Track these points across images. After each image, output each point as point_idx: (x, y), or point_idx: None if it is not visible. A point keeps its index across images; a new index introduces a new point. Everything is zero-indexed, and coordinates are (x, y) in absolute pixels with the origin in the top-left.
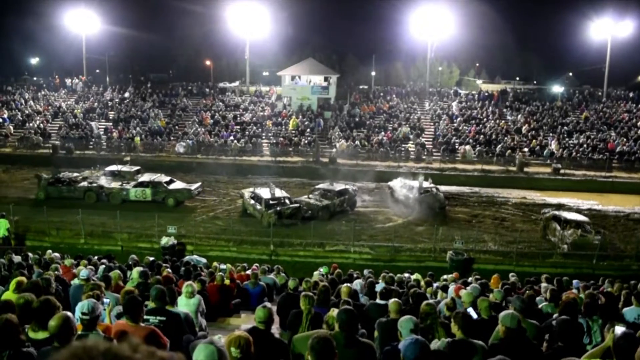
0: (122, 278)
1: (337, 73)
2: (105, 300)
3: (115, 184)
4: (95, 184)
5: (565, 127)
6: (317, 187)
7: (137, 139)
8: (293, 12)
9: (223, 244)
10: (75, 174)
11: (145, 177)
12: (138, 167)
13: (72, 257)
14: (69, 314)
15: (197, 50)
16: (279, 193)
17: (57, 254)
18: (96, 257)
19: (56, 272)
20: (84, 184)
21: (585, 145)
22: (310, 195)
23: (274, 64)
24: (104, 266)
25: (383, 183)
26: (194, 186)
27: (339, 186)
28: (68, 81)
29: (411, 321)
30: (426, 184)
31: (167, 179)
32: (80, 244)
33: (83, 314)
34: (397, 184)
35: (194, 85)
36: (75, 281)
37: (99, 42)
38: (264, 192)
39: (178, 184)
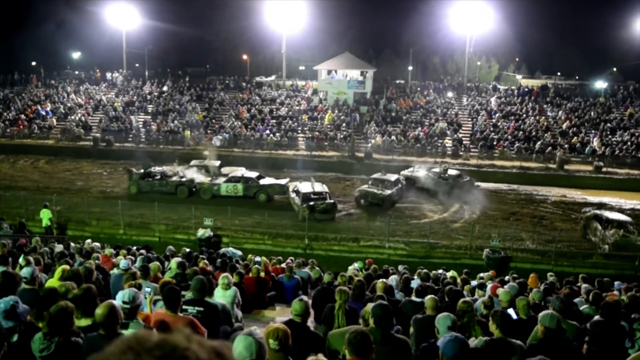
0: (161, 269)
1: (374, 67)
2: (146, 289)
3: (205, 179)
4: (186, 179)
5: (608, 124)
6: (372, 177)
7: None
8: (329, 6)
9: (258, 237)
10: (165, 168)
11: (237, 173)
12: (219, 162)
13: (112, 247)
14: (115, 302)
15: (234, 45)
16: (320, 188)
17: (97, 244)
18: (135, 248)
19: (97, 262)
20: (175, 178)
21: (629, 143)
22: (371, 184)
23: (310, 58)
24: (142, 256)
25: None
26: (284, 181)
27: (392, 176)
28: (108, 75)
29: (449, 318)
30: (452, 171)
31: (256, 174)
32: (119, 234)
33: (124, 302)
34: (420, 173)
35: (230, 79)
36: (115, 271)
37: (138, 37)
38: (305, 186)
39: (269, 180)
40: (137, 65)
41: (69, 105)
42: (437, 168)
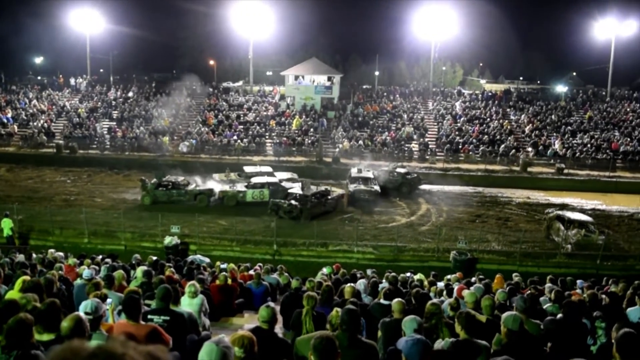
0: (126, 278)
1: (341, 73)
2: (108, 300)
3: (224, 186)
4: (205, 187)
5: (569, 127)
6: (352, 176)
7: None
8: (296, 11)
9: (226, 243)
10: (181, 178)
11: (260, 178)
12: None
13: (76, 257)
14: (82, 315)
15: (201, 50)
16: (311, 190)
17: (60, 253)
18: (100, 257)
19: (59, 272)
20: (192, 187)
21: (589, 145)
22: (360, 183)
23: (278, 63)
24: (107, 265)
25: None
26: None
27: (369, 173)
28: (72, 80)
29: (415, 321)
30: (400, 170)
31: (277, 178)
32: (84, 243)
33: (86, 313)
34: (371, 172)
35: (197, 84)
36: (79, 281)
37: (103, 42)
38: (296, 189)
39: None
40: (101, 70)
41: (31, 111)
42: (386, 167)
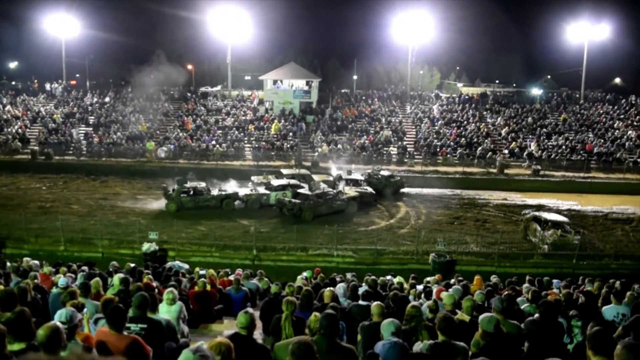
0: (103, 285)
1: (319, 77)
2: (84, 309)
3: (246, 190)
4: (231, 192)
5: (544, 129)
6: (343, 177)
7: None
8: (274, 16)
9: (205, 249)
10: (203, 184)
11: (282, 181)
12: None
13: (51, 265)
14: (59, 324)
15: (179, 55)
16: (318, 190)
17: (35, 262)
18: (76, 265)
19: (35, 281)
20: (215, 192)
21: (564, 147)
22: (360, 184)
23: (256, 68)
24: (83, 273)
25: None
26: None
27: (357, 175)
28: (47, 86)
29: (393, 324)
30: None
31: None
32: (60, 251)
33: (61, 322)
34: (356, 175)
35: (175, 89)
36: (54, 289)
37: (79, 46)
38: (305, 189)
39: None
40: (77, 75)
41: (5, 117)
42: (370, 170)
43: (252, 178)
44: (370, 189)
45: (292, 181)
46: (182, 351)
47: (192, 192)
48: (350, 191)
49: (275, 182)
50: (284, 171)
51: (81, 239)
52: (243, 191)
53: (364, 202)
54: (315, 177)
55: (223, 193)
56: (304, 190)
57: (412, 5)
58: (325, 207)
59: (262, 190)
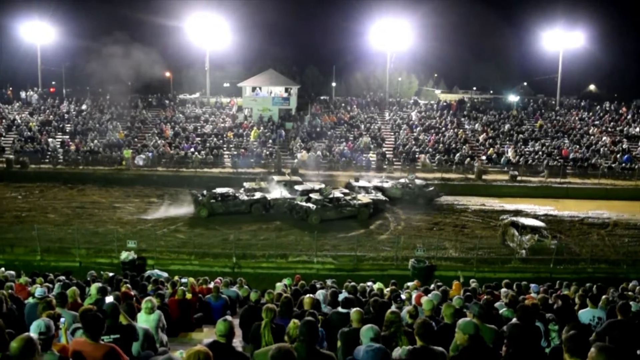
0: (80, 295)
1: (298, 84)
2: (61, 319)
3: (275, 195)
4: (259, 196)
5: (521, 135)
6: (352, 185)
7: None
8: (253, 23)
9: (185, 257)
10: (230, 189)
11: (307, 186)
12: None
13: (28, 275)
14: (33, 335)
15: (157, 62)
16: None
17: (11, 272)
18: (53, 274)
19: (10, 291)
20: (243, 197)
21: (540, 153)
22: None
23: (235, 75)
24: (60, 283)
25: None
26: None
27: (365, 183)
28: (22, 93)
29: (372, 330)
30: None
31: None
32: (37, 260)
33: (40, 333)
34: (388, 183)
35: (153, 97)
36: (30, 300)
37: (55, 53)
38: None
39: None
40: (53, 83)
41: None
42: (404, 179)
43: (244, 184)
44: (382, 196)
45: (317, 186)
46: None
47: (220, 198)
48: (364, 198)
49: (301, 187)
50: (276, 177)
51: (58, 248)
52: (271, 196)
53: (377, 209)
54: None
55: (252, 198)
56: (316, 194)
57: (390, 13)
58: (334, 212)
59: (288, 195)
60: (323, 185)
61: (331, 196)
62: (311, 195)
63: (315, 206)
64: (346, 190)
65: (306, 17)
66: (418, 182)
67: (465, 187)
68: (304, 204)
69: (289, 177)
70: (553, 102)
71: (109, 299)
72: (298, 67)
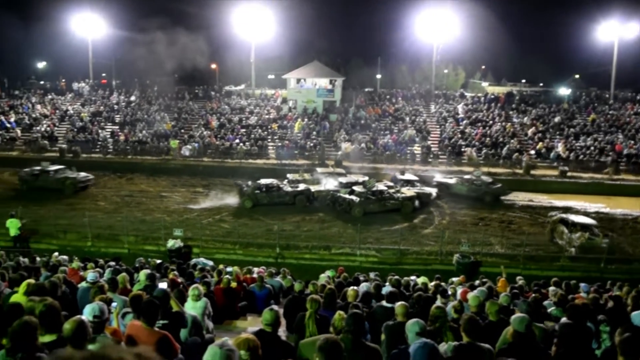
0: (129, 281)
1: (342, 76)
2: (113, 303)
3: (317, 187)
4: (303, 188)
5: (572, 130)
6: (398, 178)
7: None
8: (298, 15)
9: (229, 246)
10: (274, 181)
11: (351, 178)
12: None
13: (79, 260)
14: (84, 317)
15: (203, 54)
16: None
17: (64, 257)
18: (103, 260)
19: (63, 275)
20: (287, 188)
21: (592, 148)
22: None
23: (279, 67)
24: (110, 269)
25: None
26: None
27: (411, 176)
28: (75, 85)
29: (418, 324)
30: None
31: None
32: (87, 246)
33: (94, 317)
34: (453, 180)
35: (199, 88)
36: (83, 284)
37: (105, 46)
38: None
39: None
40: (103, 75)
41: (34, 116)
42: (469, 175)
43: (288, 176)
44: (428, 189)
45: (360, 178)
46: (209, 346)
47: (264, 189)
48: (408, 191)
49: (345, 179)
50: (319, 169)
51: (108, 235)
52: (315, 187)
53: (423, 202)
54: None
55: (296, 189)
56: (359, 187)
57: (436, 3)
58: (377, 205)
59: (332, 187)
60: (366, 178)
61: (374, 189)
62: (354, 187)
63: (358, 199)
64: (390, 183)
65: (351, 8)
66: (484, 178)
67: (512, 182)
68: (347, 196)
69: (332, 169)
70: (607, 96)
71: (162, 285)
72: (343, 58)
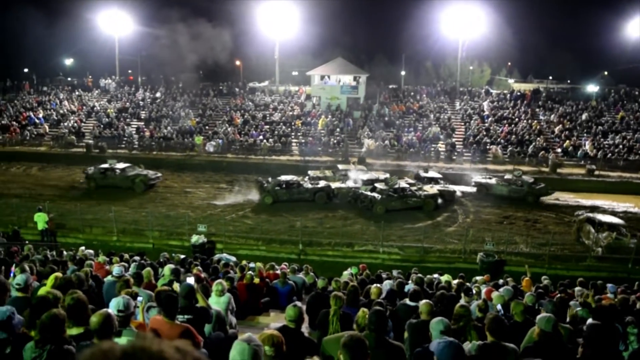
0: (154, 275)
1: (366, 72)
2: (138, 297)
3: (337, 184)
4: (323, 185)
5: (600, 127)
6: (421, 175)
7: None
8: (322, 11)
9: (252, 242)
10: (294, 177)
11: (370, 175)
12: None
13: (105, 254)
14: (110, 311)
15: (227, 50)
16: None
17: (90, 251)
18: (128, 254)
19: (90, 269)
20: (307, 185)
21: (621, 146)
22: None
23: (303, 63)
24: (136, 263)
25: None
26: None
27: (435, 173)
28: (101, 81)
29: (442, 323)
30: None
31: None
32: (113, 241)
33: (119, 310)
34: (493, 180)
35: (223, 85)
36: (109, 278)
37: (131, 43)
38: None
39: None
40: (130, 71)
41: (61, 112)
42: (509, 175)
43: (309, 172)
44: (452, 187)
45: (382, 175)
46: (236, 341)
47: (285, 185)
48: (431, 189)
49: (365, 176)
50: (340, 166)
51: (133, 230)
52: (335, 185)
53: (446, 200)
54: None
55: (316, 186)
56: (381, 184)
57: None
58: (399, 203)
59: (352, 184)
60: (387, 175)
61: (396, 186)
62: (376, 185)
63: (380, 196)
64: (412, 181)
65: (376, 4)
66: (525, 178)
67: (538, 180)
68: (369, 193)
69: (354, 166)
70: (636, 93)
71: (190, 280)
72: (367, 55)
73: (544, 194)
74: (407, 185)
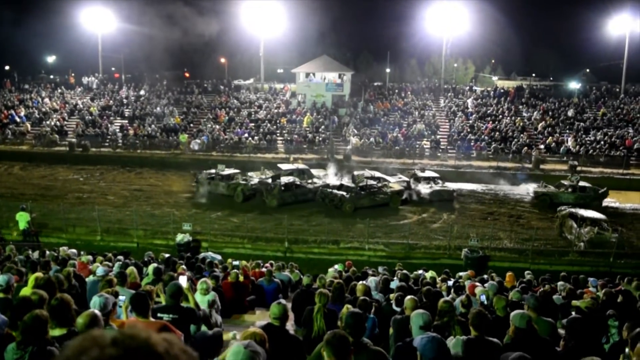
0: (138, 275)
1: (352, 70)
2: (121, 297)
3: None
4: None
5: (582, 124)
6: (418, 175)
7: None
8: (307, 9)
9: (238, 240)
10: (297, 179)
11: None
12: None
13: (88, 254)
14: (97, 312)
15: (212, 48)
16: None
17: (73, 251)
18: (112, 254)
19: (73, 269)
20: (310, 187)
21: (602, 142)
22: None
23: (288, 61)
24: (119, 263)
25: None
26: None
27: (431, 173)
28: (84, 79)
29: (422, 317)
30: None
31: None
32: (97, 240)
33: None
34: (552, 188)
35: (208, 82)
36: (92, 277)
37: (115, 40)
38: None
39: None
40: (113, 69)
41: (43, 110)
42: (566, 180)
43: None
44: (448, 186)
45: (377, 174)
46: (233, 344)
47: (285, 187)
48: (395, 185)
49: (285, 167)
50: (282, 166)
51: (117, 229)
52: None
53: (445, 200)
54: (315, 172)
55: (317, 188)
56: (348, 182)
57: None
58: (367, 200)
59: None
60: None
61: (362, 184)
62: (343, 183)
63: (348, 194)
64: (379, 175)
65: (361, 2)
66: (585, 183)
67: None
68: (337, 192)
69: (296, 165)
70: (617, 90)
71: (182, 280)
72: (352, 53)
73: (605, 196)
74: (374, 182)
